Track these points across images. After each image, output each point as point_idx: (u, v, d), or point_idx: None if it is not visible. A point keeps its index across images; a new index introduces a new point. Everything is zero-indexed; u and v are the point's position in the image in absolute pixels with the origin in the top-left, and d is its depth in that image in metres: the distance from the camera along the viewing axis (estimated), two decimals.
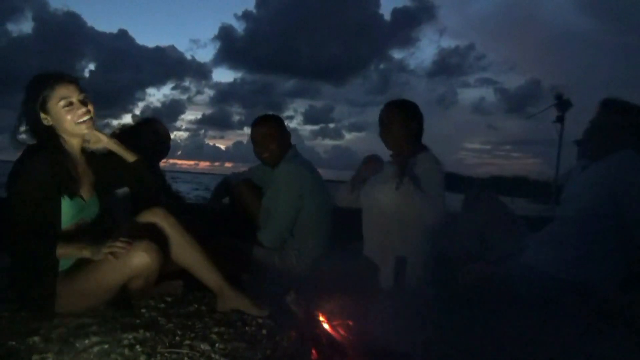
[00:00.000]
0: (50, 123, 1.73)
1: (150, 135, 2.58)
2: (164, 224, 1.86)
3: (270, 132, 2.62)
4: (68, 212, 1.73)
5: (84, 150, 1.87)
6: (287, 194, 2.52)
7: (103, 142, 1.85)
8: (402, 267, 2.28)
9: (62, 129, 1.75)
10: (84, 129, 1.76)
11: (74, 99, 1.73)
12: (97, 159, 1.91)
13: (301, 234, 2.55)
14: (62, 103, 1.71)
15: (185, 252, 1.86)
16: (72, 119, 1.73)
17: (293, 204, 2.52)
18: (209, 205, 2.98)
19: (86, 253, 1.65)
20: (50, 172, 1.66)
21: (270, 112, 2.80)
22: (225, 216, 2.90)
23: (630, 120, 2.21)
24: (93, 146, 1.84)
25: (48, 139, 1.73)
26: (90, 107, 1.78)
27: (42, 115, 1.72)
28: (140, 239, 1.70)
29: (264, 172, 2.79)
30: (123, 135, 2.46)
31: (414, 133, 2.40)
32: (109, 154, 1.91)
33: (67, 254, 1.68)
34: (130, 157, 1.92)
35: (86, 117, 1.75)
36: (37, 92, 1.71)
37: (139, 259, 1.66)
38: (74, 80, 1.77)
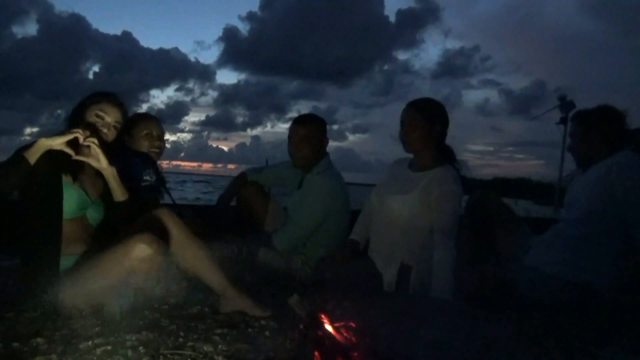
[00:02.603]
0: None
1: (143, 133, 2.47)
2: (169, 224, 1.86)
3: (309, 135, 2.56)
4: (71, 203, 1.76)
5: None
6: (314, 207, 2.49)
7: (102, 164, 1.80)
8: (406, 273, 2.27)
9: None
10: (78, 152, 1.75)
11: (107, 119, 1.88)
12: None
13: (314, 243, 2.54)
14: (95, 118, 1.85)
15: (190, 252, 1.86)
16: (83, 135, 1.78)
17: (317, 217, 2.50)
18: (219, 205, 2.92)
19: (46, 142, 1.62)
20: (58, 154, 1.69)
21: (315, 114, 2.70)
22: (231, 216, 2.88)
23: (601, 123, 2.25)
24: (90, 161, 1.78)
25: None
26: (110, 132, 1.87)
27: (80, 118, 1.86)
28: (143, 231, 1.70)
29: (289, 171, 2.73)
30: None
31: (436, 137, 2.30)
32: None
33: (30, 154, 1.61)
34: (119, 195, 1.89)
35: (91, 143, 1.77)
36: (89, 98, 1.88)
37: (141, 250, 1.65)
38: (121, 108, 1.93)
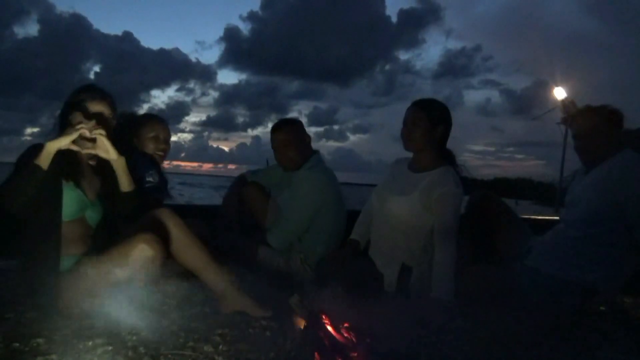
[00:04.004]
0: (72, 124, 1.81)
1: (150, 135, 2.48)
2: (169, 224, 1.86)
3: (288, 139, 2.58)
4: (70, 204, 1.75)
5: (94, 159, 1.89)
6: (304, 201, 2.50)
7: (111, 155, 1.81)
8: (407, 273, 2.27)
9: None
10: (83, 147, 1.77)
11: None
12: (107, 169, 1.91)
13: (311, 241, 2.54)
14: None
15: (190, 253, 1.86)
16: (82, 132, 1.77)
17: (308, 212, 2.50)
18: (225, 207, 2.91)
19: (54, 144, 1.63)
20: (56, 154, 1.69)
21: (289, 117, 2.73)
22: (235, 217, 2.88)
23: (603, 119, 2.23)
24: (98, 152, 1.80)
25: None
26: (102, 131, 1.78)
27: (70, 117, 1.81)
28: (144, 231, 1.70)
29: (285, 172, 2.74)
30: (122, 122, 2.34)
31: (438, 138, 2.30)
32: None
33: (42, 160, 1.62)
34: (126, 186, 1.88)
35: (91, 142, 1.77)
36: (76, 96, 1.83)
37: (142, 251, 1.66)
38: (109, 101, 1.88)
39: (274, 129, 2.64)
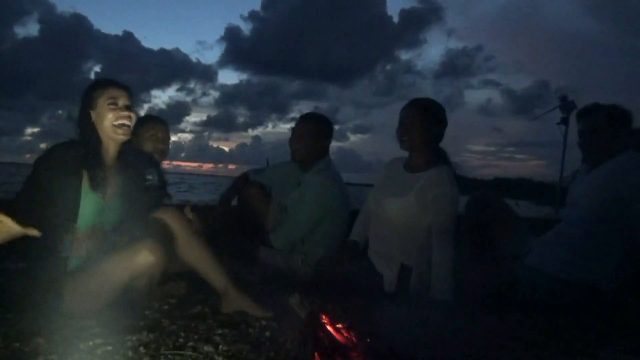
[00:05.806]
0: (94, 119, 1.79)
1: (149, 134, 2.49)
2: (173, 223, 1.86)
3: (304, 132, 2.62)
4: (88, 212, 1.74)
5: (119, 159, 1.87)
6: (312, 206, 2.51)
7: None
8: (407, 273, 2.27)
9: (102, 127, 1.79)
10: (119, 134, 1.78)
11: (120, 102, 1.80)
12: (130, 168, 1.91)
13: (314, 242, 2.55)
14: (108, 101, 1.78)
15: (193, 251, 1.86)
16: (112, 119, 1.77)
17: (314, 216, 2.52)
18: (220, 204, 2.94)
19: None
20: (78, 158, 1.70)
21: (322, 115, 2.80)
22: (232, 216, 2.89)
23: (611, 119, 2.23)
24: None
25: (90, 134, 1.79)
26: (132, 115, 1.81)
27: (91, 111, 1.79)
28: (147, 237, 1.71)
29: (290, 171, 2.76)
30: None
31: (433, 138, 2.30)
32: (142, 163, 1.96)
33: None
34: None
35: (125, 122, 1.79)
36: (91, 90, 1.81)
37: (144, 258, 1.66)
38: (126, 87, 1.85)
39: (300, 117, 2.72)
